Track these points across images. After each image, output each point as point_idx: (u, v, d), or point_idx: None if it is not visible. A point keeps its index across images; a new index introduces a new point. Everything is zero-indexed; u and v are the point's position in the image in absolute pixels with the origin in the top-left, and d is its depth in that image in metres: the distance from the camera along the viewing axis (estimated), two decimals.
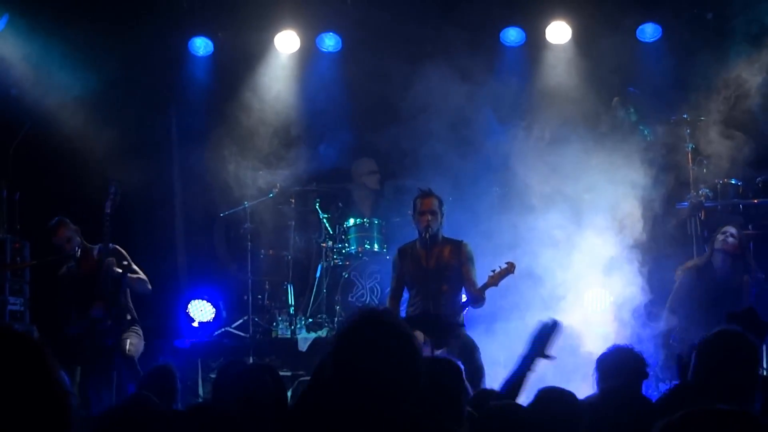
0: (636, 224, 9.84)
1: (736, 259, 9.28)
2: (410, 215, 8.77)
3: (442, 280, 8.50)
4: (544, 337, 5.04)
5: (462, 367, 4.64)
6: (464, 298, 8.61)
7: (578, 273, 9.79)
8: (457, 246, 8.63)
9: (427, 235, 8.43)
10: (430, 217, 8.44)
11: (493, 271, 8.43)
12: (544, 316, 5.27)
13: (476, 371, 7.88)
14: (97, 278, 8.79)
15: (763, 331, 5.11)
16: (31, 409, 2.26)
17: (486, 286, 8.39)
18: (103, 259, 8.78)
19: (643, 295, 9.59)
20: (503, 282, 8.46)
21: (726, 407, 2.77)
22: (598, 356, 5.41)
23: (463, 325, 8.61)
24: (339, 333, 3.20)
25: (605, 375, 5.21)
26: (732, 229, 9.30)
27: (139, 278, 9.00)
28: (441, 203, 8.61)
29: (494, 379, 8.56)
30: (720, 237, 9.30)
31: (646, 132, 10.50)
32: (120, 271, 8.78)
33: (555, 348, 5.11)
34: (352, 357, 3.08)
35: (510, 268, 8.46)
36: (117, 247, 9.00)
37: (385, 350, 3.07)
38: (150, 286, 9.13)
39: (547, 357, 5.05)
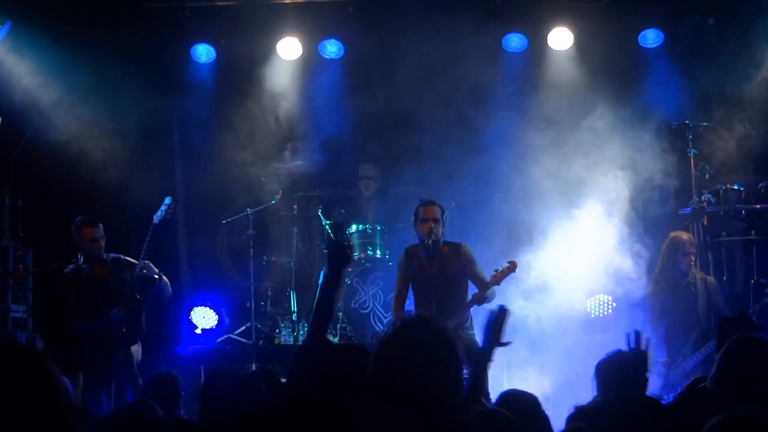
0: (638, 229, 9.83)
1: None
2: (412, 222, 8.84)
3: (445, 284, 8.65)
4: (496, 325, 4.92)
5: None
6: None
7: (580, 278, 9.78)
8: (456, 249, 8.79)
9: (430, 242, 8.53)
10: (432, 225, 8.58)
11: (496, 270, 8.58)
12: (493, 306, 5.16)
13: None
14: (109, 283, 8.86)
15: (757, 332, 5.06)
16: (35, 422, 2.26)
17: (488, 286, 8.52)
18: (140, 267, 8.88)
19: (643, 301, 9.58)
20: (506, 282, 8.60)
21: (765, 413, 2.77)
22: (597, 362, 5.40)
23: (471, 327, 8.71)
24: (383, 336, 3.19)
25: (605, 380, 5.19)
26: (691, 249, 9.46)
27: (167, 282, 9.11)
28: (443, 211, 8.77)
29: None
30: (685, 260, 9.43)
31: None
32: (157, 276, 8.87)
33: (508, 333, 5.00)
34: (394, 359, 3.08)
35: (512, 267, 8.63)
36: (128, 258, 9.08)
37: (427, 353, 3.06)
38: (171, 290, 9.24)
39: (503, 344, 4.92)
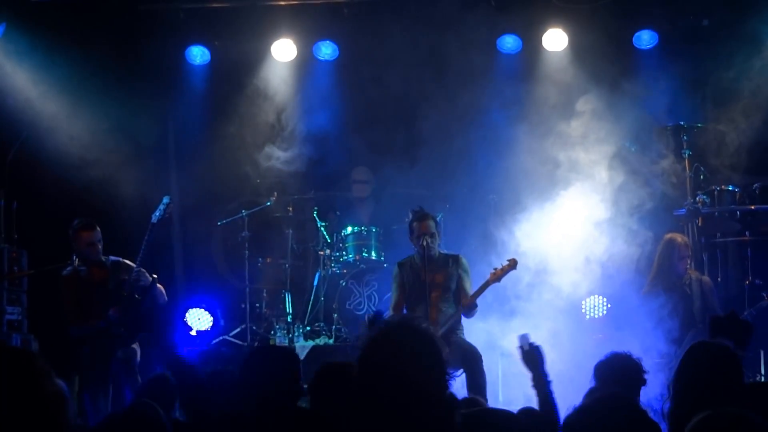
0: (633, 230, 9.83)
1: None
2: (408, 236, 8.84)
3: (440, 291, 8.62)
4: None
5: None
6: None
7: (575, 280, 9.78)
8: (455, 260, 8.86)
9: (426, 255, 8.53)
10: (429, 240, 8.61)
11: (495, 269, 8.65)
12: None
13: (479, 379, 8.03)
14: (108, 287, 8.85)
15: (748, 331, 5.08)
16: (24, 425, 2.25)
17: (487, 284, 8.58)
18: (135, 273, 8.86)
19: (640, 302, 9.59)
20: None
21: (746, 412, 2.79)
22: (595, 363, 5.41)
23: (462, 332, 8.73)
24: (368, 338, 3.20)
25: (603, 381, 5.20)
26: (687, 252, 9.49)
27: (162, 290, 9.09)
28: (436, 222, 8.81)
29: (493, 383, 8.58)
30: (681, 263, 9.48)
31: (627, 144, 10.41)
32: (150, 279, 8.87)
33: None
34: (379, 360, 3.09)
35: (512, 264, 8.69)
36: (127, 261, 9.07)
37: (410, 354, 3.08)
38: (166, 297, 9.23)
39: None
